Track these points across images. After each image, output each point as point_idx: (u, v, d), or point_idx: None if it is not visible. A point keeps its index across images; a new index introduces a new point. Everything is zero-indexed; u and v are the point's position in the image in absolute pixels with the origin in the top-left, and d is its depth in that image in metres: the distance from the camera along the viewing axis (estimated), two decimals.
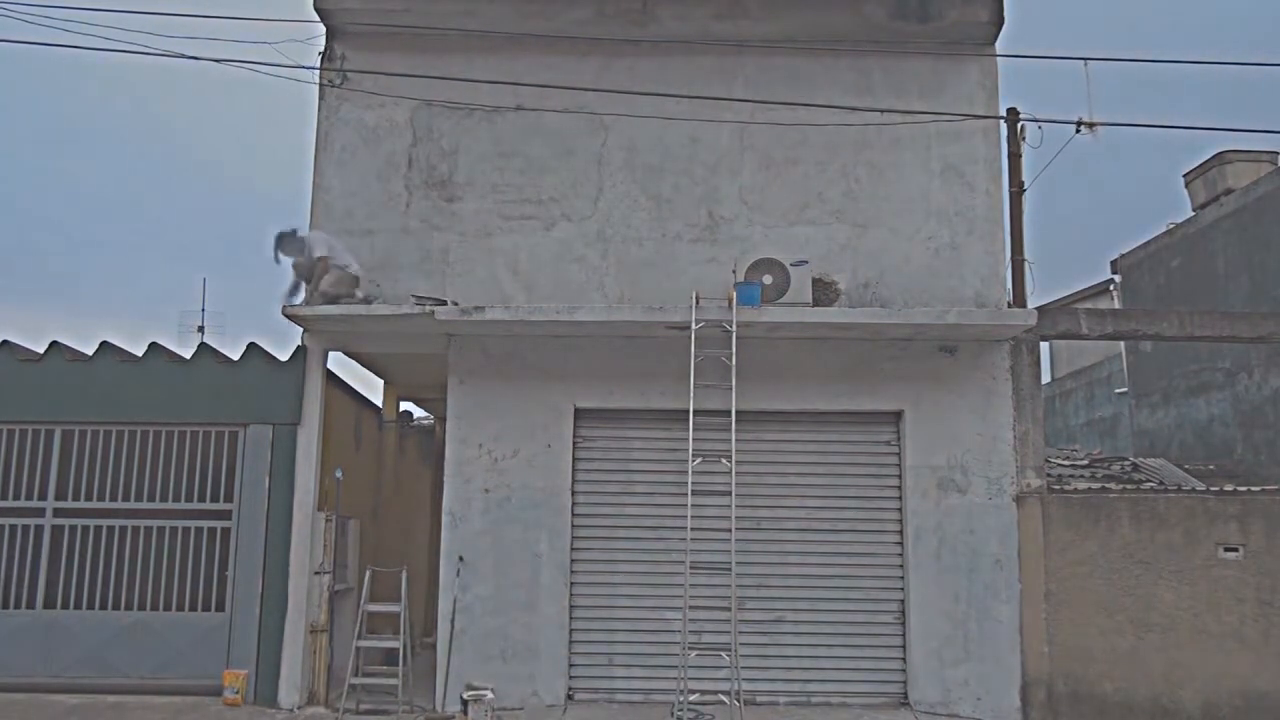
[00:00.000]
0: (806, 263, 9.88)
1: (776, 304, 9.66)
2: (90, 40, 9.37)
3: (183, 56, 9.75)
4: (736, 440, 9.35)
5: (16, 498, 10.36)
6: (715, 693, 9.12)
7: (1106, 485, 10.61)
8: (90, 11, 9.42)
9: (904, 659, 9.90)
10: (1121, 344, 17.23)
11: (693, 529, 9.14)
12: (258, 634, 9.92)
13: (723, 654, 9.14)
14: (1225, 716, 9.34)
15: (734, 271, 9.88)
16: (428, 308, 9.62)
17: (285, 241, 9.99)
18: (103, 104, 62.30)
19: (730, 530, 9.17)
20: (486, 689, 9.20)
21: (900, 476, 10.15)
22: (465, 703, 9.17)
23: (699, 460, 9.35)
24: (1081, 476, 11.07)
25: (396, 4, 10.25)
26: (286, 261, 10.01)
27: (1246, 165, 15.08)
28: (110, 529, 10.29)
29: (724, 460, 9.30)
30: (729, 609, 9.14)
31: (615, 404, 10.16)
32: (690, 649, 9.10)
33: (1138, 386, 16.65)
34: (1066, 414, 20.64)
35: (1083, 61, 10.17)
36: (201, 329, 14.10)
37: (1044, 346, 11.64)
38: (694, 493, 9.21)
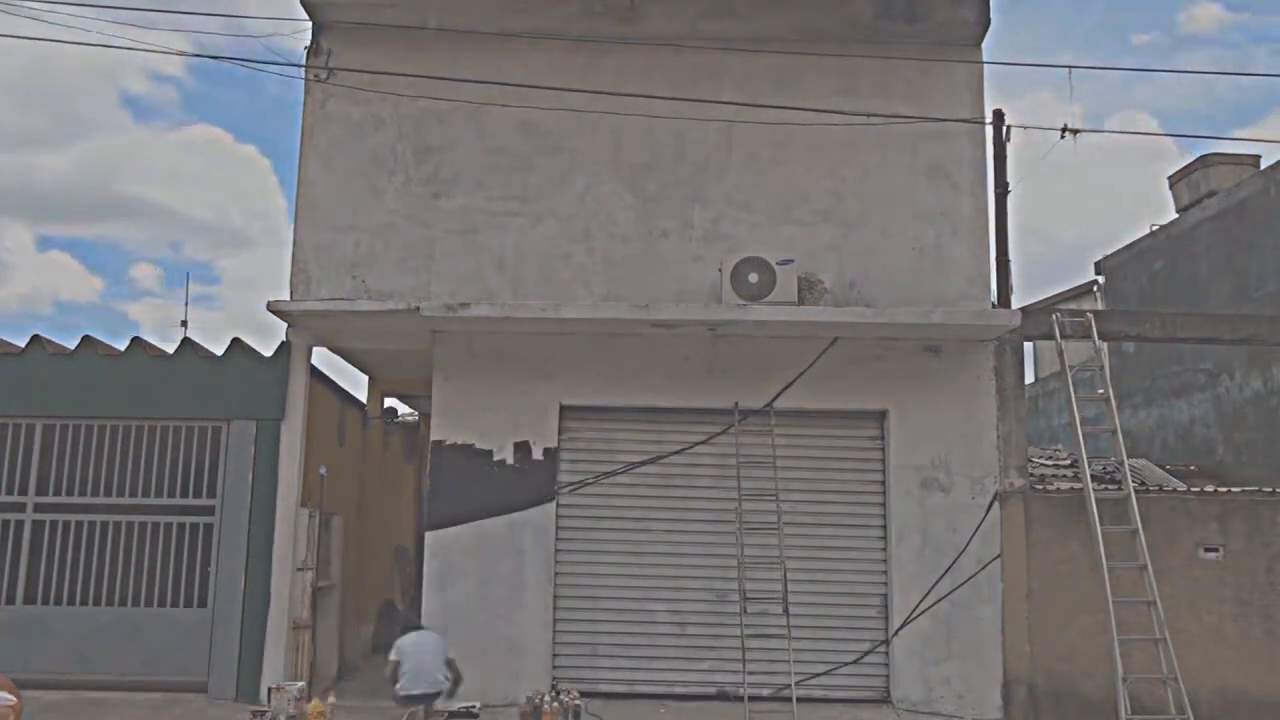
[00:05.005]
0: (792, 262, 9.90)
1: (762, 303, 9.67)
2: (83, 36, 9.30)
3: (172, 53, 9.70)
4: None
5: None
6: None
7: None
8: (79, 5, 9.36)
9: (886, 656, 9.93)
10: (1105, 345, 17.32)
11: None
12: (240, 630, 9.87)
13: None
14: (1204, 714, 9.40)
15: (720, 270, 9.89)
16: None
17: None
18: None
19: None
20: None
21: (884, 475, 10.17)
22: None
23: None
24: (1064, 476, 11.12)
25: None
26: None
27: (1229, 168, 15.20)
28: (92, 524, 10.23)
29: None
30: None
31: (600, 401, 10.16)
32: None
33: (1120, 387, 16.76)
34: (1049, 414, 20.74)
35: (1067, 69, 10.25)
36: (185, 324, 14.02)
37: (1027, 346, 11.70)
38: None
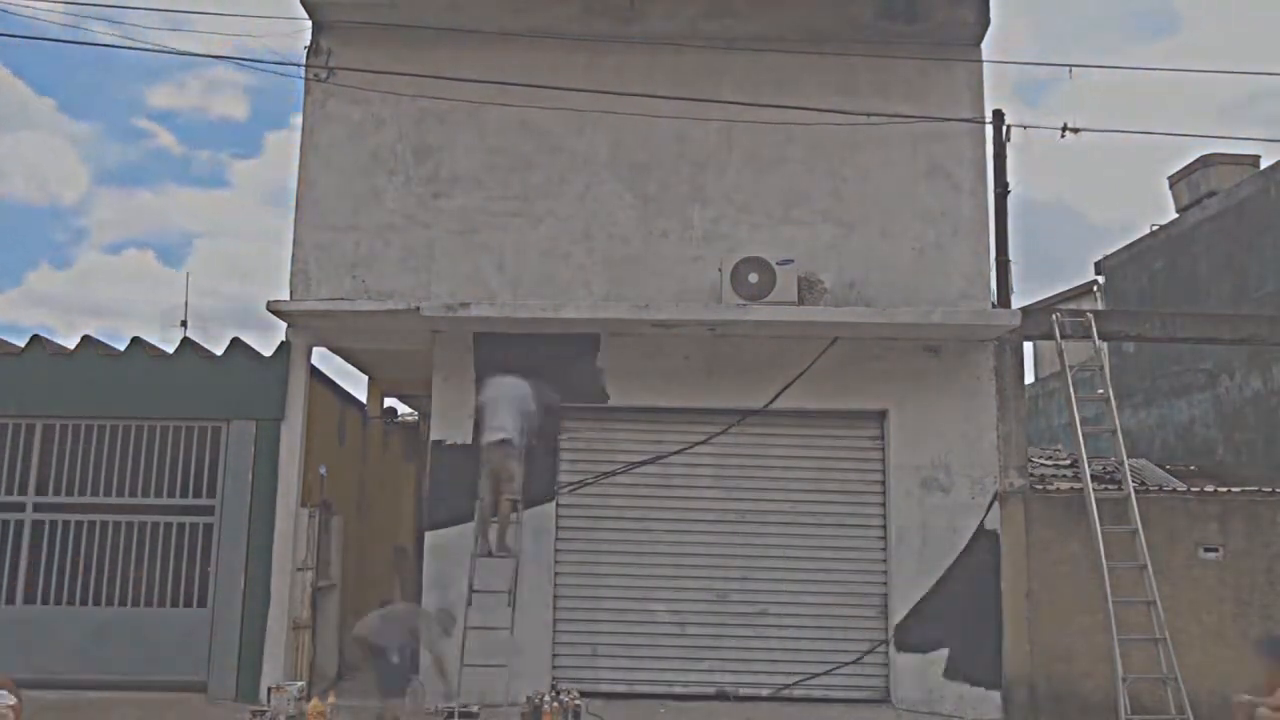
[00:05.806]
0: (792, 262, 9.90)
1: (762, 303, 9.67)
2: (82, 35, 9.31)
3: (173, 52, 9.70)
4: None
5: None
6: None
7: None
8: (78, 4, 9.37)
9: (886, 656, 9.92)
10: (1104, 345, 17.33)
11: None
12: (240, 630, 9.86)
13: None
14: (1204, 714, 9.39)
15: (720, 270, 9.89)
16: None
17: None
18: None
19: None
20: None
21: (884, 475, 10.16)
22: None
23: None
24: (1064, 476, 11.12)
25: None
26: None
27: (1229, 168, 15.21)
28: (92, 524, 10.22)
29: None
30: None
31: (599, 401, 10.15)
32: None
33: (1120, 387, 16.75)
34: (1049, 414, 20.73)
35: (1068, 69, 10.27)
36: (184, 324, 14.00)
37: (1027, 346, 11.71)
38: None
